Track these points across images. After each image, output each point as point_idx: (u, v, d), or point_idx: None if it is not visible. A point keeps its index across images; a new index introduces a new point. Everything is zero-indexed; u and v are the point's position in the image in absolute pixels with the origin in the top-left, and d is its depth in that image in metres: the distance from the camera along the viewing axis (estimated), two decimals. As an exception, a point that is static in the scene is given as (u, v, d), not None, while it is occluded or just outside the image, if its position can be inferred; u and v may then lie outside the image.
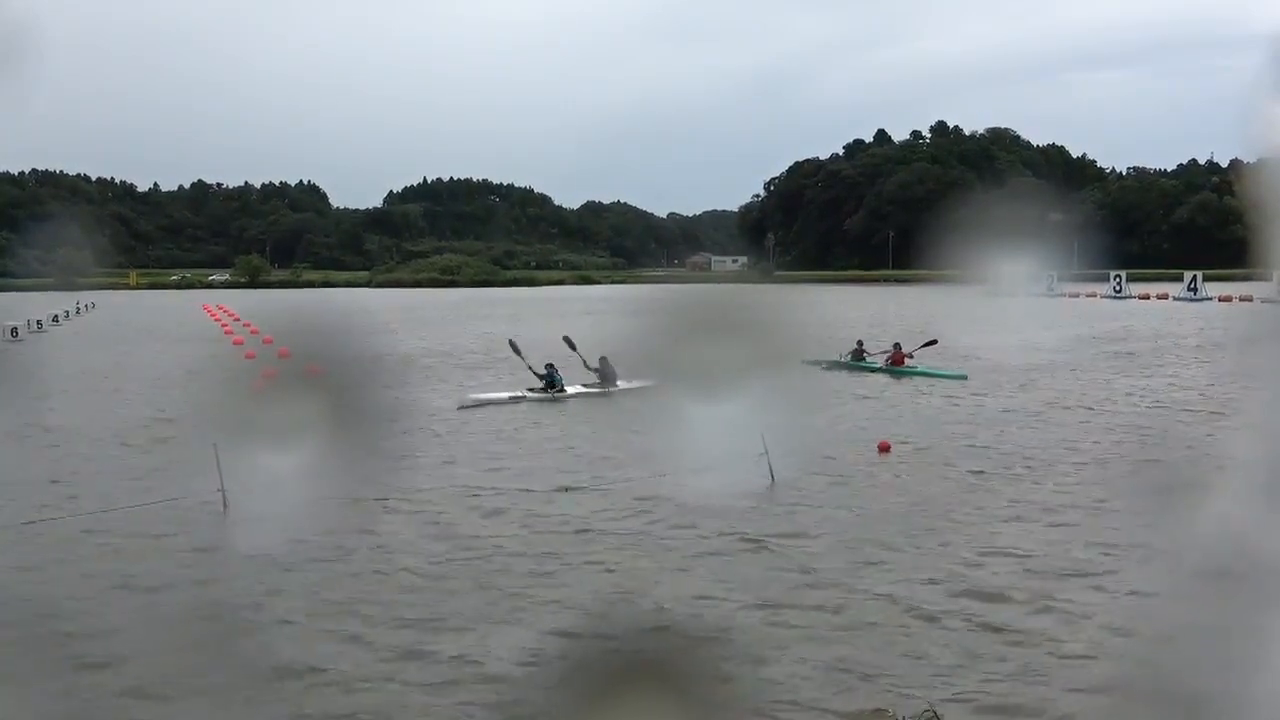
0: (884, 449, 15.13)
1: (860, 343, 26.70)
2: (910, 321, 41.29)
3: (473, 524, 11.37)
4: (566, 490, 12.80)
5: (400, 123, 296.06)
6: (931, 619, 8.21)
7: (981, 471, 13.83)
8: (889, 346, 26.11)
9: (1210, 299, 62.99)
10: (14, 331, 41.34)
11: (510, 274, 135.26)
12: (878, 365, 25.47)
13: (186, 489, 12.43)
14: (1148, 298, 65.35)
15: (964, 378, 23.44)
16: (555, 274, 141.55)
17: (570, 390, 21.21)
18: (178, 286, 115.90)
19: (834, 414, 18.84)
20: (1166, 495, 12.02)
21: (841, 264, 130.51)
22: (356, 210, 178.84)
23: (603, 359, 21.66)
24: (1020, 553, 10.01)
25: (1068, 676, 7.08)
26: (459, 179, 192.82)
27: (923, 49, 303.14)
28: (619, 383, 21.34)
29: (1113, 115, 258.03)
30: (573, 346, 22.13)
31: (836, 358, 25.81)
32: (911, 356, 25.16)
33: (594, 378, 21.53)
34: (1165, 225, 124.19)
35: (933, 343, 25.90)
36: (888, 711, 6.41)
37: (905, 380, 23.88)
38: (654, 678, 2.97)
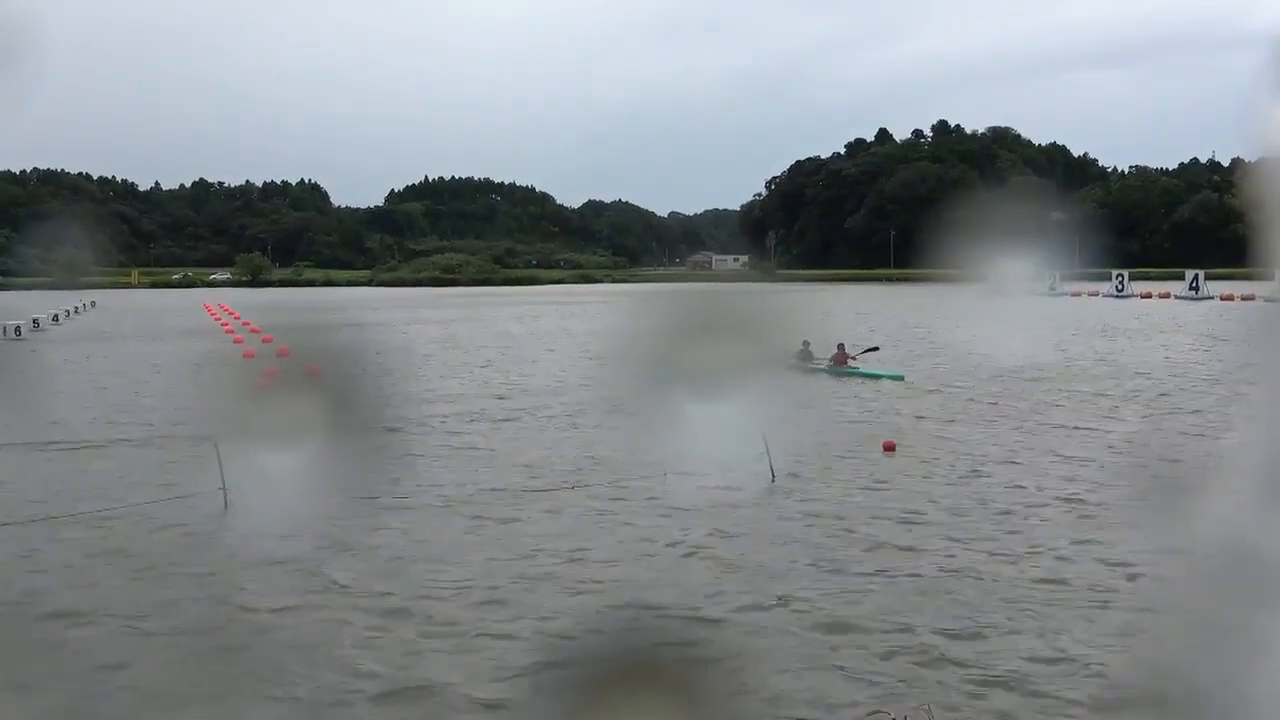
0: (889, 449, 15.08)
1: (806, 343, 26.43)
2: (902, 322, 41.27)
3: (472, 524, 11.35)
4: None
5: (402, 121, 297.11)
6: (932, 620, 8.20)
7: (977, 473, 13.81)
8: (833, 348, 25.88)
9: (1212, 298, 62.98)
10: (17, 330, 41.39)
11: (511, 273, 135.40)
12: (822, 366, 25.36)
13: (188, 487, 12.43)
14: (1149, 297, 65.35)
15: (901, 378, 23.55)
16: (556, 273, 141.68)
17: None
18: (179, 285, 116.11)
19: (827, 414, 18.84)
20: (1165, 495, 12.01)
21: (843, 263, 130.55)
22: (358, 209, 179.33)
23: None
24: (1019, 555, 9.99)
25: (1066, 677, 7.08)
26: (460, 177, 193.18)
27: (924, 48, 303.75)
28: None
29: (1114, 114, 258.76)
30: None
31: (787, 359, 25.57)
32: (854, 359, 25.25)
33: None
34: (1166, 224, 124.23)
35: (874, 349, 26.15)
36: (886, 713, 6.40)
37: (874, 381, 23.76)
38: (652, 679, 2.97)
